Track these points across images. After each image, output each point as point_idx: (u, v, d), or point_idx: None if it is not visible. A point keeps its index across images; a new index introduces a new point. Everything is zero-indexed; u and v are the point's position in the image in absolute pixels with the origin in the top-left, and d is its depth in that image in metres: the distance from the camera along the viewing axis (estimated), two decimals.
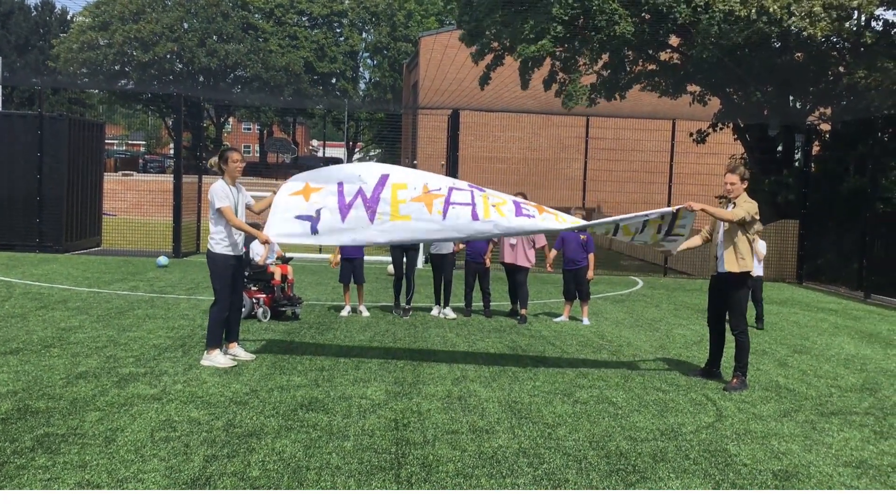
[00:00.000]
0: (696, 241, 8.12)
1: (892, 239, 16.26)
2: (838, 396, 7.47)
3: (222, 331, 7.73)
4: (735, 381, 7.62)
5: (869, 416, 6.79)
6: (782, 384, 7.83)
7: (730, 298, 7.78)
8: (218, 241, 7.66)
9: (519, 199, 8.03)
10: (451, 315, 11.24)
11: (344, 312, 11.07)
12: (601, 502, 3.56)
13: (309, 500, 3.50)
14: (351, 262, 11.15)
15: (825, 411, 6.91)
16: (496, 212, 7.73)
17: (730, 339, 7.92)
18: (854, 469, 5.42)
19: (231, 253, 7.68)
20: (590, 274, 11.27)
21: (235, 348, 7.89)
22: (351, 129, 68.91)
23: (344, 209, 7.80)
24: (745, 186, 7.81)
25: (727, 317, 7.90)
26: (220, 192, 7.63)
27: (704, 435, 6.04)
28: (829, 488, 5.01)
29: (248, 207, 8.06)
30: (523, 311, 11.16)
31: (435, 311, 11.32)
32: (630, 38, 18.42)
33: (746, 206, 7.69)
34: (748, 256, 7.71)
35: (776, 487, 4.99)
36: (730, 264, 7.67)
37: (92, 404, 6.09)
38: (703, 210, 7.81)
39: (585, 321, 11.13)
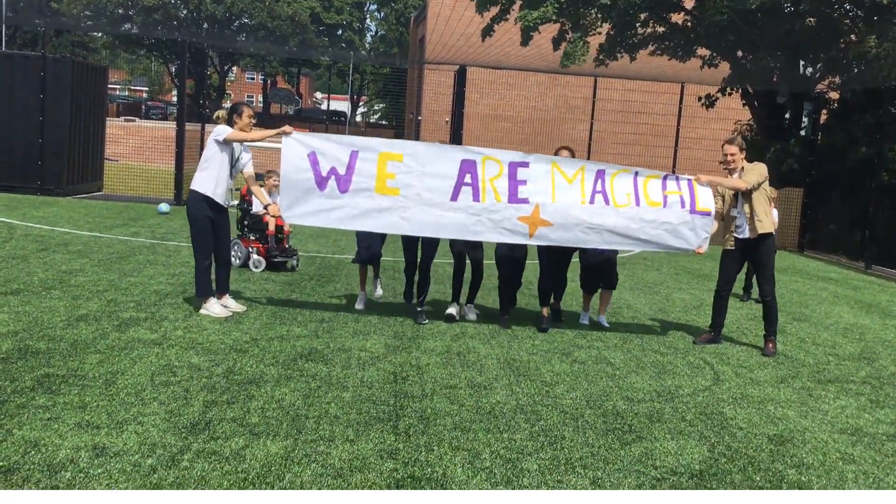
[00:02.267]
0: (715, 225, 8.03)
1: (894, 210, 16.21)
2: (836, 364, 7.50)
3: (209, 279, 7.68)
4: (772, 345, 7.75)
5: (866, 385, 6.82)
6: (780, 351, 7.85)
7: (759, 263, 7.84)
8: (200, 181, 7.51)
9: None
10: (473, 316, 8.46)
11: (359, 304, 8.53)
12: (601, 502, 3.56)
13: (314, 500, 3.52)
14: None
15: (822, 379, 6.94)
16: (492, 191, 7.58)
17: (732, 304, 7.92)
18: (849, 436, 5.45)
19: (213, 196, 7.49)
20: None
21: (226, 299, 7.86)
22: (356, 83, 68.40)
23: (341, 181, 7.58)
24: (744, 156, 7.86)
25: (755, 282, 8.00)
26: (226, 128, 7.53)
27: (701, 398, 6.07)
28: (824, 454, 5.05)
29: (242, 171, 7.87)
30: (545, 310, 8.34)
31: (453, 310, 8.24)
32: (637, 3, 18.20)
33: (757, 170, 7.72)
34: (765, 218, 7.72)
35: (771, 452, 5.02)
36: (752, 230, 7.71)
37: (92, 347, 6.11)
38: (711, 182, 7.81)
39: (603, 321, 8.59)
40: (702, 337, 8.09)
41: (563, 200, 7.61)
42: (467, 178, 7.57)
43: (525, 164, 7.63)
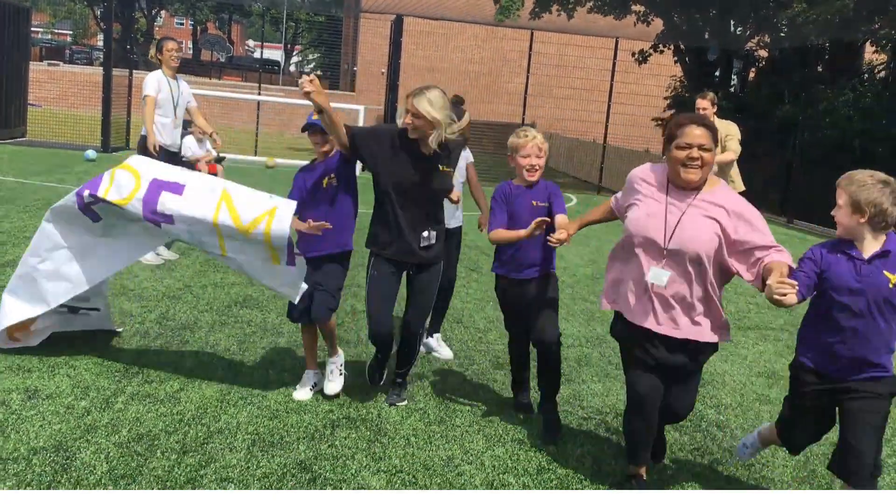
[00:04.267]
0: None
1: (816, 166, 16.74)
2: (756, 312, 7.80)
3: None
4: None
5: (783, 332, 7.13)
6: None
7: None
8: (154, 127, 7.42)
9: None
10: (446, 353, 5.68)
11: (302, 394, 4.59)
12: (597, 502, 3.66)
13: (315, 499, 3.52)
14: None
15: (743, 325, 7.22)
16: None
17: None
18: (766, 379, 5.72)
19: (162, 142, 7.44)
20: None
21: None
22: (289, 31, 67.02)
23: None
24: (715, 111, 7.85)
25: None
26: (149, 80, 7.46)
27: None
28: (742, 395, 5.29)
29: (188, 110, 7.84)
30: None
31: (434, 342, 5.76)
32: None
33: (736, 136, 7.76)
34: (737, 178, 7.92)
35: None
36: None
37: None
38: None
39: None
40: None
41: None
42: None
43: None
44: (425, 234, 4.46)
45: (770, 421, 4.84)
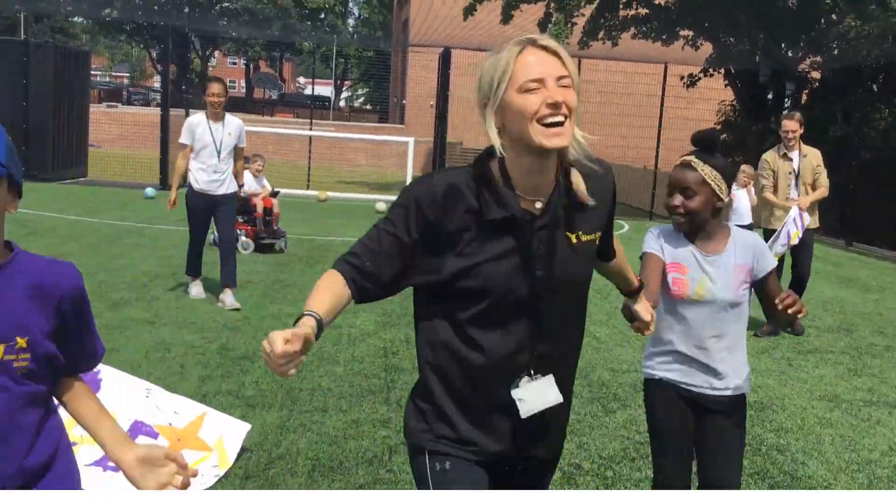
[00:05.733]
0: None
1: (874, 188, 16.46)
2: (815, 336, 7.67)
3: (197, 262, 7.56)
4: (798, 324, 7.67)
5: (844, 355, 7.00)
6: (762, 323, 8.01)
7: (805, 242, 7.62)
8: (191, 174, 7.35)
9: None
10: None
11: None
12: (599, 502, 3.66)
13: (315, 499, 3.61)
14: None
15: (802, 350, 7.11)
16: None
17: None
18: (827, 402, 5.63)
19: (198, 188, 7.29)
20: None
21: (226, 294, 7.34)
22: (339, 67, 68.15)
23: None
24: (801, 132, 7.48)
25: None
26: (186, 126, 7.33)
27: None
28: (803, 419, 5.21)
29: (239, 146, 7.54)
30: None
31: None
32: None
33: (825, 171, 7.50)
34: (816, 212, 7.66)
35: (751, 417, 5.18)
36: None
37: None
38: (807, 204, 7.49)
39: None
40: (763, 329, 7.56)
41: None
42: None
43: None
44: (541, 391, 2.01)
45: (832, 444, 4.76)
